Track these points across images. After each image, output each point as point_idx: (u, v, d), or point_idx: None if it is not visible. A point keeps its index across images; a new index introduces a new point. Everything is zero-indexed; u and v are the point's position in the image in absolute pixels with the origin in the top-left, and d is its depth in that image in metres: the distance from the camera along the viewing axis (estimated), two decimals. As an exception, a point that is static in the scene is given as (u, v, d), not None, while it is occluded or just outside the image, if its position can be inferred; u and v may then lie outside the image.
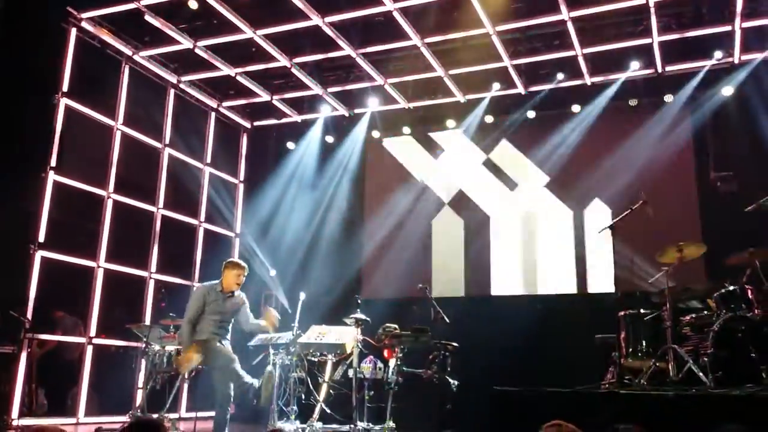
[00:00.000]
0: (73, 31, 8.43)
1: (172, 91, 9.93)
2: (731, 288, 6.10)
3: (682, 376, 5.80)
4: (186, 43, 8.97)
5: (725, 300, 6.08)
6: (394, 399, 6.42)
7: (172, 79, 9.85)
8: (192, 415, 7.52)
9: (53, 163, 8.09)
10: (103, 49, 8.87)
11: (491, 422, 5.71)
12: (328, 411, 6.30)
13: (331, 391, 6.45)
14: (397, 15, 8.29)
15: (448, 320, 7.01)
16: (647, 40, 8.63)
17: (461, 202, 10.52)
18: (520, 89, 9.84)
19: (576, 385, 6.01)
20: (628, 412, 5.20)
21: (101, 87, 9.06)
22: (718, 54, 8.74)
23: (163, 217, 9.62)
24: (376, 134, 11.13)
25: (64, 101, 8.27)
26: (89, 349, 8.31)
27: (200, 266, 10.19)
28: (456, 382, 6.84)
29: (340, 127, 11.14)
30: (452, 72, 9.61)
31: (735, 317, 5.84)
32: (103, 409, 8.32)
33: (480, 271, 10.13)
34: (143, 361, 7.61)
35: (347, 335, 6.54)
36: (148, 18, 8.43)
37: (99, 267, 8.56)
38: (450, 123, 10.60)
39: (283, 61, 9.35)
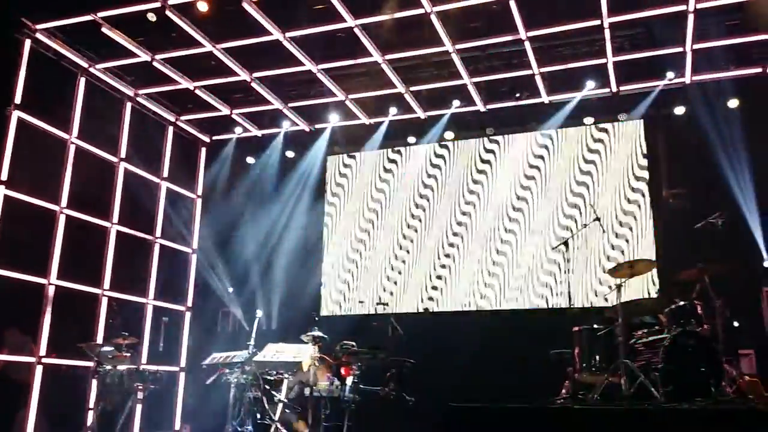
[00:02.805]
0: (27, 43, 8.26)
1: (128, 104, 9.79)
2: (681, 303, 6.21)
3: (634, 391, 5.87)
4: (144, 56, 8.86)
5: (675, 315, 6.18)
6: (351, 417, 6.36)
7: (129, 92, 9.72)
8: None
9: (4, 177, 7.89)
10: (58, 61, 8.70)
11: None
12: (284, 430, 6.20)
13: (287, 409, 6.35)
14: (358, 32, 8.32)
15: (403, 334, 7.01)
16: (602, 60, 8.81)
17: (420, 219, 10.55)
18: (480, 107, 9.94)
19: (532, 400, 6.05)
20: (582, 427, 5.24)
21: (55, 99, 8.88)
22: (670, 74, 8.97)
23: (118, 232, 9.43)
24: (337, 149, 11.13)
25: (16, 114, 8.09)
26: (39, 369, 8.07)
27: (156, 283, 10.00)
28: (412, 399, 6.81)
29: (300, 142, 11.10)
30: (413, 89, 9.67)
31: (685, 332, 5.94)
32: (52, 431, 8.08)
33: (437, 288, 10.15)
34: (94, 381, 7.44)
35: (304, 353, 6.47)
36: (105, 30, 8.32)
37: (50, 284, 8.34)
38: (411, 139, 10.66)
39: (243, 75, 9.30)
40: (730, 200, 8.34)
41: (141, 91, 9.81)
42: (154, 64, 9.01)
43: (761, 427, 4.62)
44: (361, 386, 6.57)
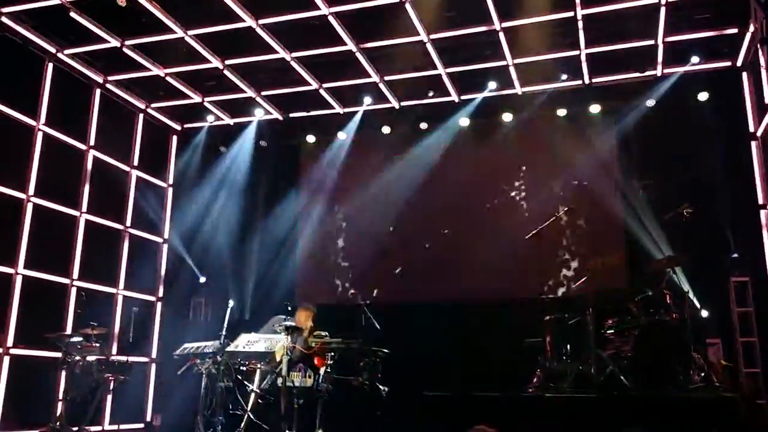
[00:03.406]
0: (-8, 27, 8.07)
1: (98, 91, 9.62)
2: (650, 293, 6.32)
3: (604, 379, 5.97)
4: (113, 42, 8.70)
5: (645, 305, 6.29)
6: (324, 407, 6.36)
7: (99, 78, 9.53)
8: (115, 427, 7.28)
9: (-31, 164, 7.72)
10: (25, 46, 8.51)
11: (421, 427, 5.75)
12: (256, 421, 6.16)
13: (259, 400, 6.31)
14: (332, 20, 8.26)
15: (378, 326, 7.01)
16: (575, 52, 8.87)
17: (395, 208, 10.53)
18: (454, 97, 9.96)
19: (505, 389, 6.12)
20: (553, 414, 5.31)
21: (22, 85, 8.67)
22: (642, 67, 9.05)
23: (87, 221, 9.29)
24: (311, 139, 11.06)
25: (-20, 100, 7.91)
26: (6, 360, 7.94)
27: (126, 273, 9.88)
28: (386, 389, 6.83)
29: (274, 131, 11.01)
30: (388, 78, 9.64)
31: (654, 321, 6.05)
32: (21, 423, 7.94)
33: (410, 278, 10.16)
34: (63, 372, 7.33)
35: (277, 343, 6.42)
36: (73, 15, 8.14)
37: (17, 274, 8.20)
38: (385, 129, 10.64)
39: (215, 62, 9.19)
40: (699, 191, 8.47)
41: (110, 78, 9.64)
42: (124, 50, 8.86)
43: (727, 413, 4.73)
44: (335, 376, 6.56)
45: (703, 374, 5.86)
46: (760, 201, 8.51)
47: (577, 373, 6.13)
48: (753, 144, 8.79)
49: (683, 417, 4.98)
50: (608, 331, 6.48)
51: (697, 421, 4.78)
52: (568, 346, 6.53)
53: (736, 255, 8.44)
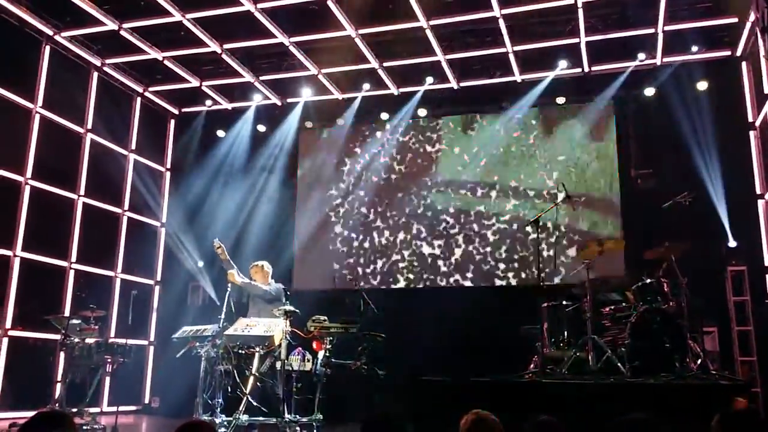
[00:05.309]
0: (-12, 8, 8.00)
1: (95, 74, 9.58)
2: (648, 281, 6.35)
3: (601, 366, 6.00)
4: (111, 25, 8.64)
5: (642, 292, 6.32)
6: (322, 390, 6.40)
7: (96, 61, 9.48)
8: (114, 409, 7.32)
9: (-34, 147, 7.69)
10: (21, 28, 8.46)
11: (417, 411, 5.78)
12: (255, 404, 6.20)
13: (258, 383, 6.34)
14: (331, 4, 8.22)
15: (377, 311, 7.04)
16: (575, 40, 8.85)
17: (393, 194, 10.54)
18: (453, 84, 9.93)
19: (501, 375, 6.15)
20: (549, 400, 5.35)
21: (19, 68, 8.64)
22: (641, 55, 9.04)
23: (85, 204, 9.28)
24: (309, 124, 11.03)
25: (-22, 82, 7.86)
26: (5, 342, 7.95)
27: (123, 256, 9.88)
28: (383, 373, 6.87)
29: (272, 116, 10.97)
30: (386, 64, 9.61)
31: (651, 309, 6.08)
32: (19, 404, 7.96)
33: (408, 263, 10.19)
34: (62, 354, 7.35)
35: (276, 327, 6.44)
36: (70, -3, 8.09)
37: (15, 256, 8.20)
38: (384, 115, 10.61)
39: (213, 46, 9.14)
40: (696, 181, 8.49)
41: (108, 61, 9.59)
42: (122, 33, 8.81)
43: (723, 401, 4.77)
44: (333, 360, 6.60)
45: (699, 362, 5.90)
46: (758, 191, 8.55)
47: (574, 360, 6.16)
48: (751, 134, 8.81)
49: (680, 404, 5.01)
50: (605, 319, 6.52)
51: (694, 409, 4.82)
52: (566, 333, 6.57)
53: (733, 244, 8.46)
